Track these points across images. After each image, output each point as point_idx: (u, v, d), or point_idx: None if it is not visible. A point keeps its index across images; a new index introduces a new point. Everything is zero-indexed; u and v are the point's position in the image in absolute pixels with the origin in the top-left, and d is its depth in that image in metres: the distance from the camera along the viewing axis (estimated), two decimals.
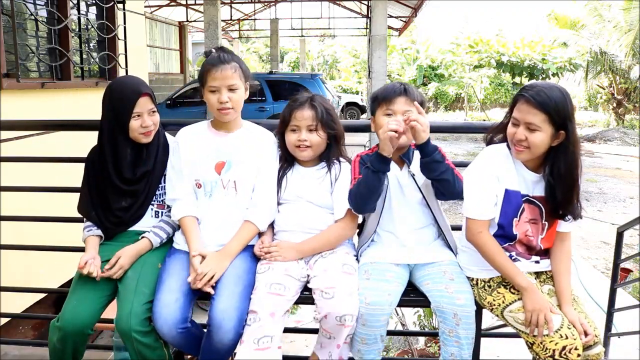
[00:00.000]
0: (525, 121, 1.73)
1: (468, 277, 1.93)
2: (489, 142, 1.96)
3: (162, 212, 2.10)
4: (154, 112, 2.03)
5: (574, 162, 1.76)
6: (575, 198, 1.79)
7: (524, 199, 1.85)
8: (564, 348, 1.65)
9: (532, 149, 1.75)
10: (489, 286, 1.87)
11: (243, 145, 2.05)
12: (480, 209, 1.84)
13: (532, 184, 1.85)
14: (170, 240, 2.08)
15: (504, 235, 1.87)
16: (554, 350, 1.66)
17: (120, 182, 2.02)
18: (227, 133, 2.07)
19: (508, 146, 1.86)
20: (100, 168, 2.04)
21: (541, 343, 1.68)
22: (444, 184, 1.89)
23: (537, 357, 1.71)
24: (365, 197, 1.92)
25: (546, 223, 1.87)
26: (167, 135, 2.17)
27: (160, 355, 1.86)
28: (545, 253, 1.92)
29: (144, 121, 1.99)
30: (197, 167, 2.04)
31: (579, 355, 1.66)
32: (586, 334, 1.73)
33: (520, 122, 1.75)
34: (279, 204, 2.08)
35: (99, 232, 2.04)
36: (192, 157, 2.05)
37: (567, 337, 1.66)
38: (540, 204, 1.85)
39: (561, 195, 1.78)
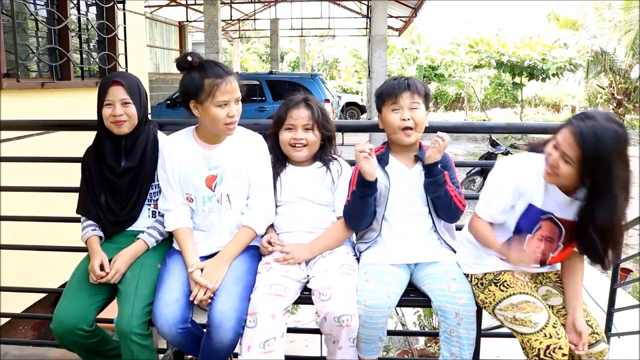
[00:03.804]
0: (563, 150, 1.65)
1: (465, 276, 1.93)
2: (532, 149, 1.86)
3: (158, 212, 2.09)
4: (127, 103, 1.99)
5: (614, 209, 1.62)
6: (610, 249, 1.67)
7: (545, 217, 1.79)
8: (548, 347, 1.65)
9: (560, 178, 1.69)
10: (482, 284, 1.87)
11: (233, 155, 1.98)
12: (487, 211, 1.86)
13: (559, 205, 1.78)
14: (170, 239, 2.08)
15: None
16: (539, 349, 1.66)
17: (109, 172, 2.01)
18: (215, 145, 1.98)
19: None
20: (94, 162, 2.05)
21: (527, 341, 1.69)
22: (439, 203, 1.96)
23: (527, 356, 1.71)
24: (356, 219, 1.98)
25: (562, 245, 1.82)
26: (161, 135, 2.13)
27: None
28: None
29: (115, 110, 1.98)
30: (186, 182, 1.99)
31: (564, 354, 1.65)
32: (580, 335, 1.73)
33: (559, 149, 1.67)
34: (277, 206, 2.07)
35: (100, 232, 2.04)
36: (180, 172, 1.99)
37: (550, 337, 1.66)
38: (563, 227, 1.79)
39: (596, 243, 1.67)
